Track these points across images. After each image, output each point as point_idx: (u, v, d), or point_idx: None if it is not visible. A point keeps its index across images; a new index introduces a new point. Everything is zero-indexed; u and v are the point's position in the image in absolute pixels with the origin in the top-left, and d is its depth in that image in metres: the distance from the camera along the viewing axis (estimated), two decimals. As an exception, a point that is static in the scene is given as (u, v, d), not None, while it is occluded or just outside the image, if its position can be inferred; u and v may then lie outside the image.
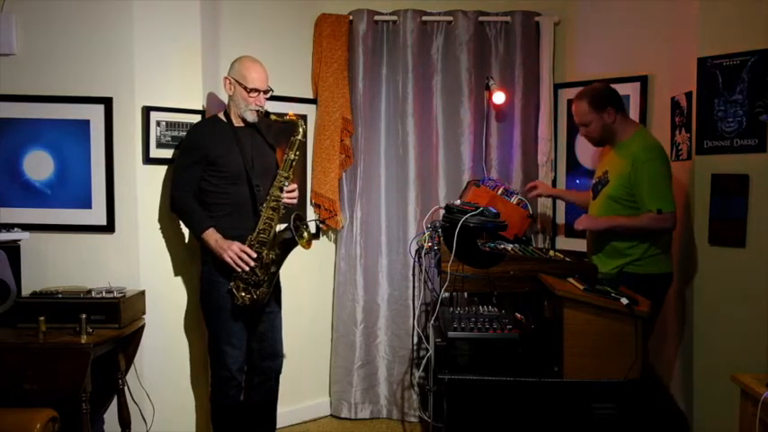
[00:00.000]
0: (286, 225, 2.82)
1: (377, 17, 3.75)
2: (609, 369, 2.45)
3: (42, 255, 2.92)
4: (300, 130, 2.89)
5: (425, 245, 3.03)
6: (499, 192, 3.27)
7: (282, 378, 3.12)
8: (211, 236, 2.82)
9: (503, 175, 3.76)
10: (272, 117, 2.91)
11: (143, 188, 3.00)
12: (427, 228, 3.09)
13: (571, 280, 2.69)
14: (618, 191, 2.94)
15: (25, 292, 2.80)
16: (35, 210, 2.94)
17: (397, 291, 3.78)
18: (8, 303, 2.72)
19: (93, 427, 2.78)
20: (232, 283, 2.83)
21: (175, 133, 3.07)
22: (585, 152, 3.67)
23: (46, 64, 2.92)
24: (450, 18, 3.75)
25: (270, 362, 3.04)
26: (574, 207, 3.54)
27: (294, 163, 2.90)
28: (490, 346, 2.52)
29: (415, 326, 3.50)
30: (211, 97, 3.24)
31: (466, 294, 3.15)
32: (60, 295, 2.74)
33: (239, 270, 2.80)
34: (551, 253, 3.08)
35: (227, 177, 2.87)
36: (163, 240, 3.07)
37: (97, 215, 2.96)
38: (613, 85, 3.09)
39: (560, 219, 3.80)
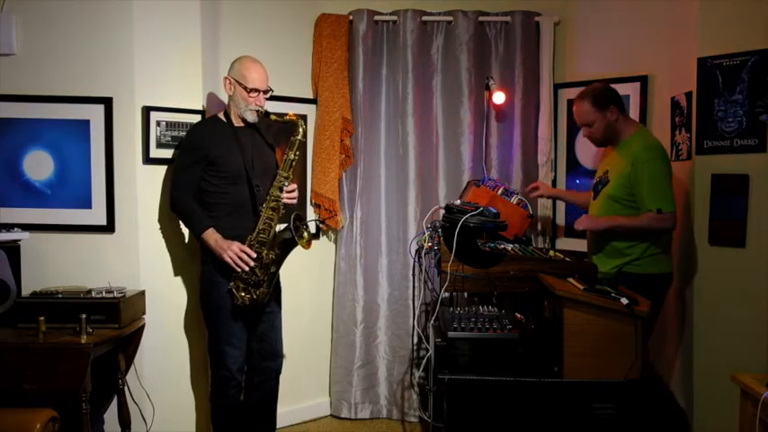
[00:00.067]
0: (286, 225, 2.82)
1: (377, 17, 3.75)
2: (609, 369, 2.45)
3: (42, 255, 2.92)
4: (300, 130, 2.89)
5: (425, 245, 3.03)
6: (499, 192, 3.27)
7: (282, 378, 3.12)
8: (211, 236, 2.82)
9: (503, 175, 3.76)
10: (272, 117, 2.91)
11: (143, 188, 3.00)
12: (427, 228, 3.09)
13: (571, 280, 2.69)
14: (618, 190, 2.94)
15: (25, 292, 2.80)
16: (35, 210, 2.94)
17: (397, 291, 3.78)
18: (8, 303, 2.72)
19: (93, 427, 2.78)
20: (232, 284, 2.83)
21: (175, 133, 3.07)
22: (585, 152, 3.67)
23: (46, 64, 2.92)
24: (450, 18, 3.75)
25: (270, 362, 3.04)
26: (574, 207, 3.54)
27: (294, 163, 2.90)
28: (490, 346, 2.52)
29: (415, 326, 3.50)
30: (211, 97, 3.24)
31: (466, 294, 3.15)
32: (60, 295, 2.73)
33: (239, 270, 2.80)
34: (551, 253, 3.08)
35: (227, 177, 2.87)
36: (163, 240, 3.07)
37: (97, 215, 2.96)
38: (613, 85, 3.09)
39: (560, 219, 3.80)
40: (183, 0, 3.08)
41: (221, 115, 2.98)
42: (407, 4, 3.75)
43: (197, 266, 3.03)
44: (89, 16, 2.92)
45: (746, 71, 2.78)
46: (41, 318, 2.59)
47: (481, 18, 3.75)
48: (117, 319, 2.69)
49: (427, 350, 3.08)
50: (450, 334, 2.54)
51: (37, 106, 2.91)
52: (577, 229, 3.11)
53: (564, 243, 3.74)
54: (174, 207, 2.92)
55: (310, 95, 3.75)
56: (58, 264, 2.94)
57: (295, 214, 2.84)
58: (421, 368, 3.51)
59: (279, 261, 2.88)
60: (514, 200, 3.27)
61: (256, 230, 2.85)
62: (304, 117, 3.62)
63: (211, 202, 2.89)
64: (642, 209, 2.85)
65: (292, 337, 3.36)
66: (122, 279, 2.92)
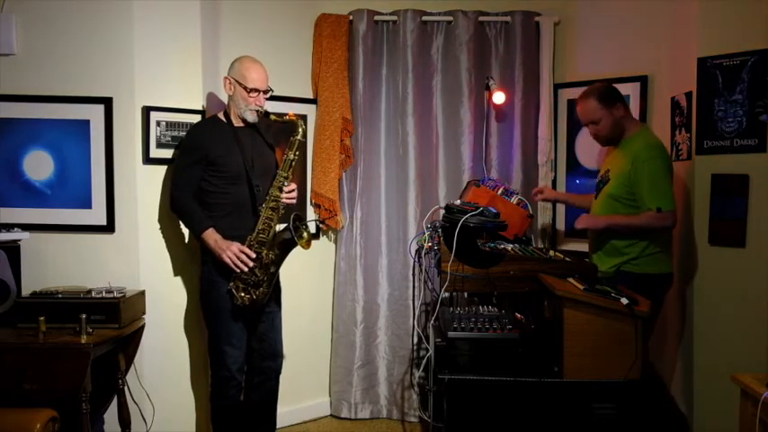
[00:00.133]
0: (285, 225, 2.82)
1: (377, 17, 3.75)
2: (609, 369, 2.44)
3: (42, 255, 2.92)
4: (300, 130, 2.89)
5: (425, 245, 3.03)
6: (499, 192, 3.27)
7: (282, 378, 3.12)
8: (211, 236, 2.82)
9: (503, 175, 3.76)
10: (272, 117, 2.91)
11: (143, 188, 3.00)
12: (427, 228, 3.09)
13: (571, 280, 2.69)
14: (618, 189, 2.94)
15: (25, 292, 2.80)
16: (35, 210, 2.94)
17: (397, 291, 3.78)
18: (8, 303, 2.72)
19: (93, 427, 2.78)
20: (231, 284, 2.83)
21: (175, 133, 3.07)
22: (585, 152, 3.67)
23: (46, 64, 2.92)
24: (451, 18, 3.75)
25: (270, 362, 3.04)
26: (574, 207, 3.54)
27: (294, 163, 2.90)
28: (490, 346, 2.52)
29: (415, 326, 3.50)
30: (211, 97, 3.24)
31: (466, 294, 3.15)
32: (60, 295, 2.73)
33: (238, 270, 2.80)
34: (551, 253, 3.08)
35: (226, 177, 2.87)
36: (163, 240, 3.07)
37: (97, 215, 2.96)
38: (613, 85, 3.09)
39: (560, 219, 3.80)
40: (183, 0, 3.08)
41: (221, 115, 2.98)
42: (407, 4, 3.75)
43: (197, 266, 3.03)
44: (89, 16, 2.92)
45: (746, 71, 2.78)
46: (41, 318, 2.59)
47: (481, 18, 3.75)
48: (117, 319, 2.69)
49: (427, 350, 3.08)
50: (450, 334, 2.53)
51: (37, 106, 2.91)
52: (577, 227, 3.11)
53: (564, 243, 3.74)
54: (174, 207, 2.92)
55: (310, 95, 3.75)
56: (58, 264, 2.94)
57: (294, 214, 2.84)
58: (421, 368, 3.51)
59: (278, 261, 2.88)
60: (514, 200, 3.27)
61: (256, 230, 2.85)
62: (304, 117, 3.62)
63: (211, 202, 2.89)
64: (642, 208, 2.85)
65: (292, 337, 3.36)
66: (122, 279, 2.92)
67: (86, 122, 2.94)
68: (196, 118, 3.11)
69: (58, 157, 2.95)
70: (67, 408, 2.53)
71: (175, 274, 3.12)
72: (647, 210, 2.83)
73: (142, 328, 2.96)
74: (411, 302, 3.55)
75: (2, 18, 2.87)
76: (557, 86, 3.76)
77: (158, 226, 3.05)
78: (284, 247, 2.86)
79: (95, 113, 2.93)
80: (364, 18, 3.72)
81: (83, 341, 2.54)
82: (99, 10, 2.92)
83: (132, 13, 2.95)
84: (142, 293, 2.94)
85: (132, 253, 2.98)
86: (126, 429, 2.94)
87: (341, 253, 3.81)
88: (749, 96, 2.77)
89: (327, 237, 3.88)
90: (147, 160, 3.00)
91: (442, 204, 3.49)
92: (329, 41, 3.68)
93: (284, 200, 2.90)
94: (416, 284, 3.36)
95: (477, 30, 3.74)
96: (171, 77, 3.05)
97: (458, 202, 2.97)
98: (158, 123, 3.02)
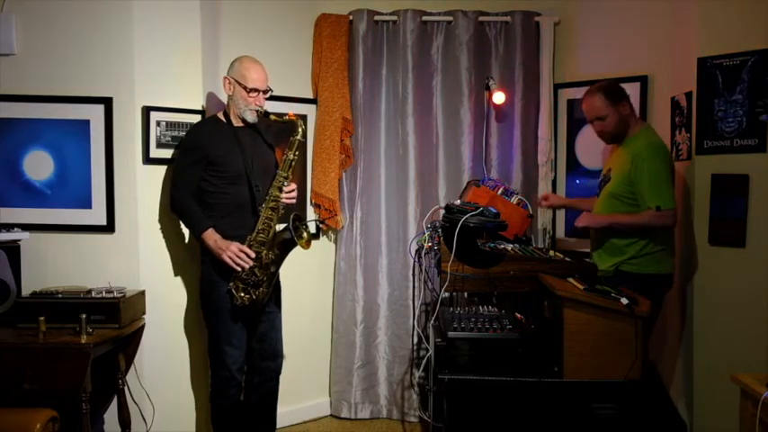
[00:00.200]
0: (285, 225, 2.82)
1: (377, 17, 3.75)
2: (609, 369, 2.45)
3: (42, 255, 2.92)
4: (300, 130, 2.89)
5: (425, 245, 3.03)
6: (499, 192, 3.27)
7: (282, 378, 3.12)
8: (210, 236, 2.82)
9: (503, 175, 3.76)
10: (272, 117, 2.91)
11: (143, 188, 3.00)
12: (427, 228, 3.09)
13: (571, 280, 2.69)
14: (619, 188, 2.94)
15: (25, 292, 2.80)
16: (35, 210, 2.94)
17: (397, 291, 3.78)
18: (8, 303, 2.72)
19: (93, 427, 2.78)
20: (231, 284, 2.83)
21: (175, 133, 3.07)
22: (585, 152, 3.67)
23: (46, 64, 2.92)
24: (450, 18, 3.75)
25: (270, 362, 3.04)
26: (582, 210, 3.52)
27: (293, 163, 2.90)
28: (490, 346, 2.52)
29: (415, 326, 3.50)
30: (211, 97, 3.24)
31: (466, 294, 3.15)
32: (60, 295, 2.73)
33: (238, 270, 2.80)
34: (551, 253, 3.08)
35: (226, 177, 2.87)
36: (163, 240, 3.07)
37: (97, 215, 2.96)
38: (613, 85, 3.10)
39: (560, 219, 3.80)
40: (183, 0, 3.08)
41: (221, 115, 2.98)
42: (407, 4, 3.75)
43: (197, 266, 3.03)
44: (89, 16, 2.92)
45: (746, 71, 2.78)
46: (41, 318, 2.59)
47: (481, 18, 3.74)
48: (117, 319, 2.69)
49: (427, 350, 3.08)
50: (450, 334, 2.54)
51: (37, 106, 2.91)
52: (577, 226, 3.11)
53: (564, 243, 3.74)
54: (174, 207, 2.92)
55: (310, 95, 3.75)
56: (58, 264, 2.94)
57: (294, 214, 2.84)
58: (421, 368, 3.51)
59: (278, 261, 2.88)
60: (514, 200, 3.27)
61: (256, 230, 2.85)
62: (304, 117, 3.62)
63: (211, 202, 2.89)
64: (642, 206, 2.86)
65: (292, 337, 3.36)
66: (122, 279, 2.92)
67: (86, 122, 2.94)
68: (196, 118, 3.11)
69: (57, 157, 2.94)
70: (67, 408, 2.53)
71: (175, 274, 3.12)
72: (646, 208, 2.84)
73: (142, 328, 2.95)
74: (411, 302, 3.55)
75: (2, 18, 2.87)
76: (557, 86, 3.76)
77: (158, 226, 3.05)
78: (284, 247, 2.86)
79: (95, 113, 2.93)
80: (364, 18, 3.72)
81: (83, 341, 2.54)
82: (99, 10, 2.92)
83: (132, 13, 2.94)
84: (142, 293, 2.94)
85: (132, 253, 2.98)
86: (126, 429, 2.94)
87: (341, 253, 3.81)
88: (749, 96, 2.77)
89: (327, 237, 3.88)
90: (147, 160, 3.00)
91: (442, 204, 3.49)
92: (329, 41, 3.68)
93: (284, 200, 2.90)
94: (416, 284, 3.36)
95: (477, 30, 3.74)
96: (171, 77, 3.05)
97: (458, 202, 2.97)
98: (158, 123, 3.02)
